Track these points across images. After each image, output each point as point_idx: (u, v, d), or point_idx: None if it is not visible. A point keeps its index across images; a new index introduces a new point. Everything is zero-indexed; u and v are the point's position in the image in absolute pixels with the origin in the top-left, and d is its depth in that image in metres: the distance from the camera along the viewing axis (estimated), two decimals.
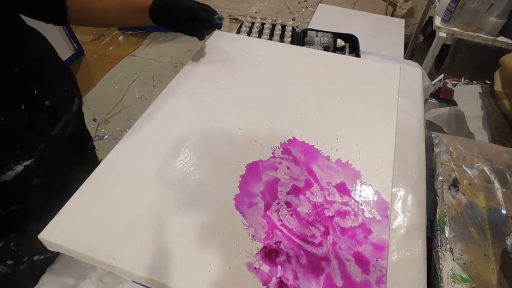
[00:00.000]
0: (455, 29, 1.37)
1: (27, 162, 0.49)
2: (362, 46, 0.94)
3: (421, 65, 1.02)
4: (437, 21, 1.40)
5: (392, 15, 2.24)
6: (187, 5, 0.58)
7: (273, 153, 0.51)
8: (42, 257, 0.57)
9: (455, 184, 0.58)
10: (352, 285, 0.38)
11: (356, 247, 0.41)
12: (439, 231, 0.52)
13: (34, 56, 0.50)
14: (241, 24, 1.03)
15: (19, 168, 0.48)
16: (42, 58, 0.52)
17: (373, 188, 0.47)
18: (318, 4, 1.86)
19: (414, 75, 0.89)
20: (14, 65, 0.45)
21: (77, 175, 0.48)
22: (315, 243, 0.41)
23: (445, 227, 0.52)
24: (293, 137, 0.54)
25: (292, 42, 0.96)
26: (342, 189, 0.47)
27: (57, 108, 0.53)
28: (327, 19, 1.58)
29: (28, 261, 0.56)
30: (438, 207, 0.55)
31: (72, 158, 0.60)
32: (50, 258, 0.56)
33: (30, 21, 0.51)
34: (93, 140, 0.74)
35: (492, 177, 0.60)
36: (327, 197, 0.46)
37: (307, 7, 2.79)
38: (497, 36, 1.31)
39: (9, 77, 0.45)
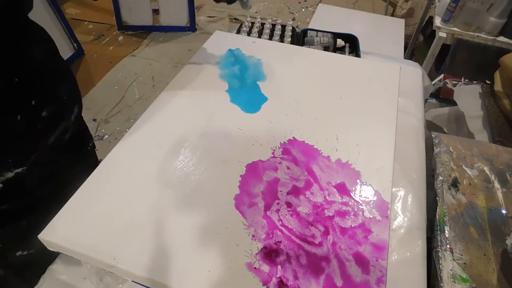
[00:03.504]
0: (455, 29, 1.36)
1: (18, 170, 0.48)
2: (362, 46, 0.94)
3: (421, 65, 1.02)
4: (437, 21, 1.40)
5: (392, 15, 2.24)
6: None
7: (273, 153, 0.51)
8: (25, 252, 0.55)
9: (455, 184, 0.58)
10: (352, 285, 0.38)
11: (356, 247, 0.41)
12: (439, 231, 0.52)
13: (37, 62, 0.48)
14: (241, 24, 1.03)
15: (10, 175, 0.47)
16: (44, 64, 0.50)
17: (373, 188, 0.47)
18: (318, 4, 1.86)
19: (414, 75, 0.89)
20: (15, 75, 0.43)
21: (76, 175, 0.47)
22: (315, 243, 0.41)
23: (445, 227, 0.52)
24: (293, 137, 0.54)
25: (292, 42, 0.96)
26: (342, 189, 0.47)
27: (54, 117, 0.51)
28: (327, 19, 1.58)
29: (13, 257, 0.55)
30: (438, 207, 0.55)
31: (71, 160, 0.59)
32: (33, 254, 0.55)
33: (36, 19, 0.49)
34: (93, 139, 0.73)
35: (492, 177, 0.60)
36: (327, 197, 0.46)
37: (307, 7, 2.79)
38: (497, 36, 1.31)
39: (9, 87, 0.43)
